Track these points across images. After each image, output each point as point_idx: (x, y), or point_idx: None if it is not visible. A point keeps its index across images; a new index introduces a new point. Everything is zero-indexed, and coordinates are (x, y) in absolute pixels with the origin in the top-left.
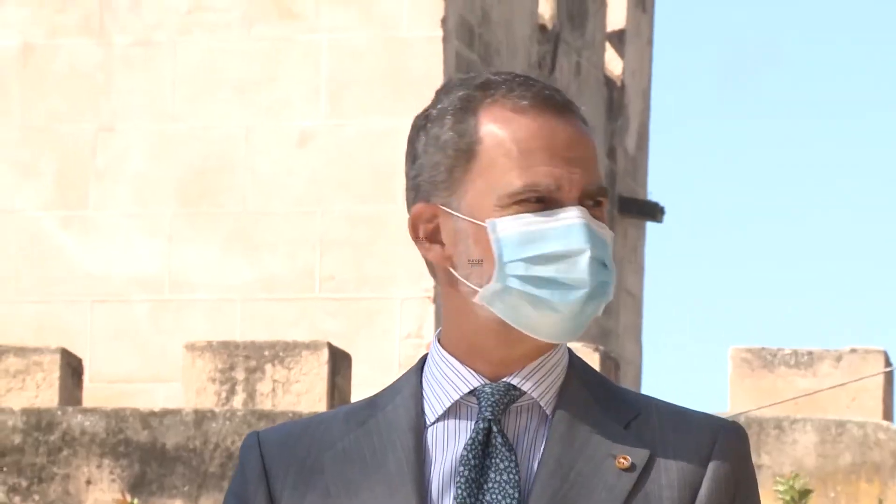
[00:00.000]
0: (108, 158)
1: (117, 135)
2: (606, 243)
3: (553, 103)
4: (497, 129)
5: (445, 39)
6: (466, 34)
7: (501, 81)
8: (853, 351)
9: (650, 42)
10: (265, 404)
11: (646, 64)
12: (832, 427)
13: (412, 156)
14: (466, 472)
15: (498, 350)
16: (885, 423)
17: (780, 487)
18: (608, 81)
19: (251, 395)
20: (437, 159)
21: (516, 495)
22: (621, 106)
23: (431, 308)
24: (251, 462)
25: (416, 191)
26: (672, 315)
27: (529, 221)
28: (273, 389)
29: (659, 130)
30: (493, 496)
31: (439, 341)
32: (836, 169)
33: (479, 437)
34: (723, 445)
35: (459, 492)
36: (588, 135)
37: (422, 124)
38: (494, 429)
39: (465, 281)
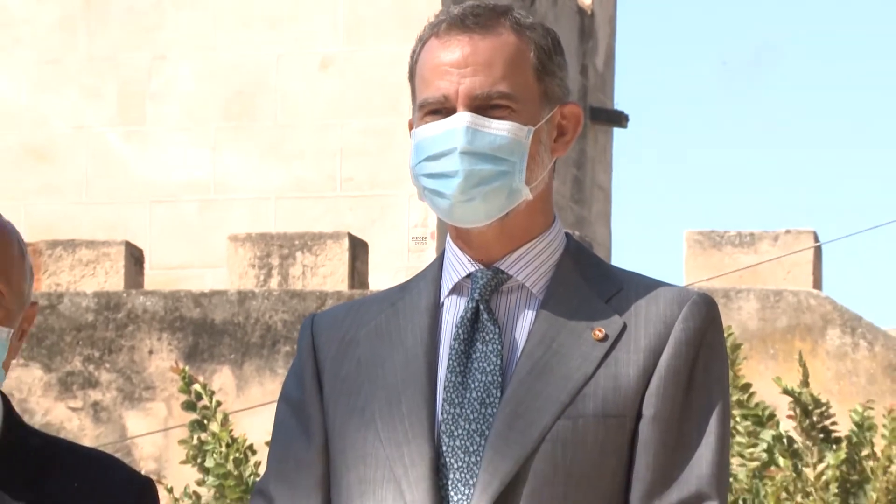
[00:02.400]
0: (162, 82)
1: (169, 62)
2: (493, 139)
3: (459, 22)
4: (423, 54)
5: None
6: None
7: (455, 12)
8: (788, 232)
9: None
10: (297, 285)
11: None
12: (770, 296)
13: None
14: (457, 346)
15: (471, 238)
16: (815, 291)
17: None
18: (580, 10)
19: (285, 278)
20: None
21: (498, 362)
22: (591, 31)
23: None
24: (304, 340)
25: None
26: (636, 204)
27: (423, 129)
28: (303, 273)
29: (624, 51)
30: (480, 363)
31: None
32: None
33: (468, 315)
34: (687, 314)
35: (451, 361)
36: (488, 44)
37: None
38: (482, 307)
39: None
